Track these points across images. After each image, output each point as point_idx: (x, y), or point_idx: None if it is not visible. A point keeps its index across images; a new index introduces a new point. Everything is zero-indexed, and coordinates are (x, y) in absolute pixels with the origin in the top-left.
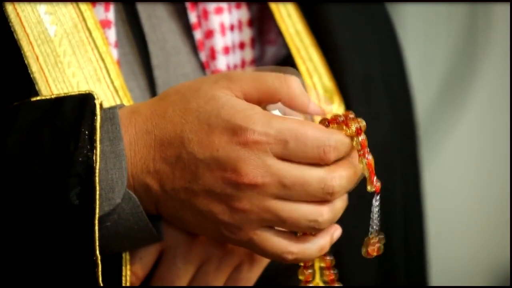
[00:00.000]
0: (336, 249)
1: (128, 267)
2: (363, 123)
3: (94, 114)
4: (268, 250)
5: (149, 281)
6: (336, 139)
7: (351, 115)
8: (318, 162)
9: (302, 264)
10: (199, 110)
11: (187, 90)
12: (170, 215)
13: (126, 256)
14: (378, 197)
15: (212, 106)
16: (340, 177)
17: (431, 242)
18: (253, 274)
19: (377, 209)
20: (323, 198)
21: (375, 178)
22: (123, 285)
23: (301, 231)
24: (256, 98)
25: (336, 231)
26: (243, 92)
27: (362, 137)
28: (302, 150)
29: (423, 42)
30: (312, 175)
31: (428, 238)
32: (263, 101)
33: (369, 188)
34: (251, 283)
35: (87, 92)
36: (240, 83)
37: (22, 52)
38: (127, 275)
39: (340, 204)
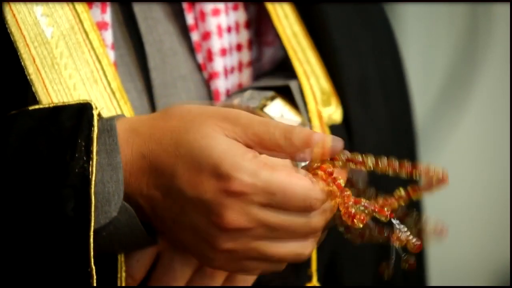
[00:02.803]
0: (332, 249)
1: (124, 269)
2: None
3: (91, 124)
4: (258, 272)
5: (146, 283)
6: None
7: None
8: (303, 211)
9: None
10: (194, 144)
11: (190, 120)
12: (162, 230)
13: (121, 258)
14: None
15: (206, 143)
16: (324, 218)
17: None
18: (249, 276)
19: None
20: (309, 235)
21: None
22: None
23: (287, 262)
24: (257, 148)
25: None
26: (245, 140)
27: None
28: (288, 203)
29: (423, 42)
30: (298, 220)
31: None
32: (264, 151)
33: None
34: (247, 285)
35: (85, 101)
36: (245, 130)
37: (18, 54)
38: (122, 277)
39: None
